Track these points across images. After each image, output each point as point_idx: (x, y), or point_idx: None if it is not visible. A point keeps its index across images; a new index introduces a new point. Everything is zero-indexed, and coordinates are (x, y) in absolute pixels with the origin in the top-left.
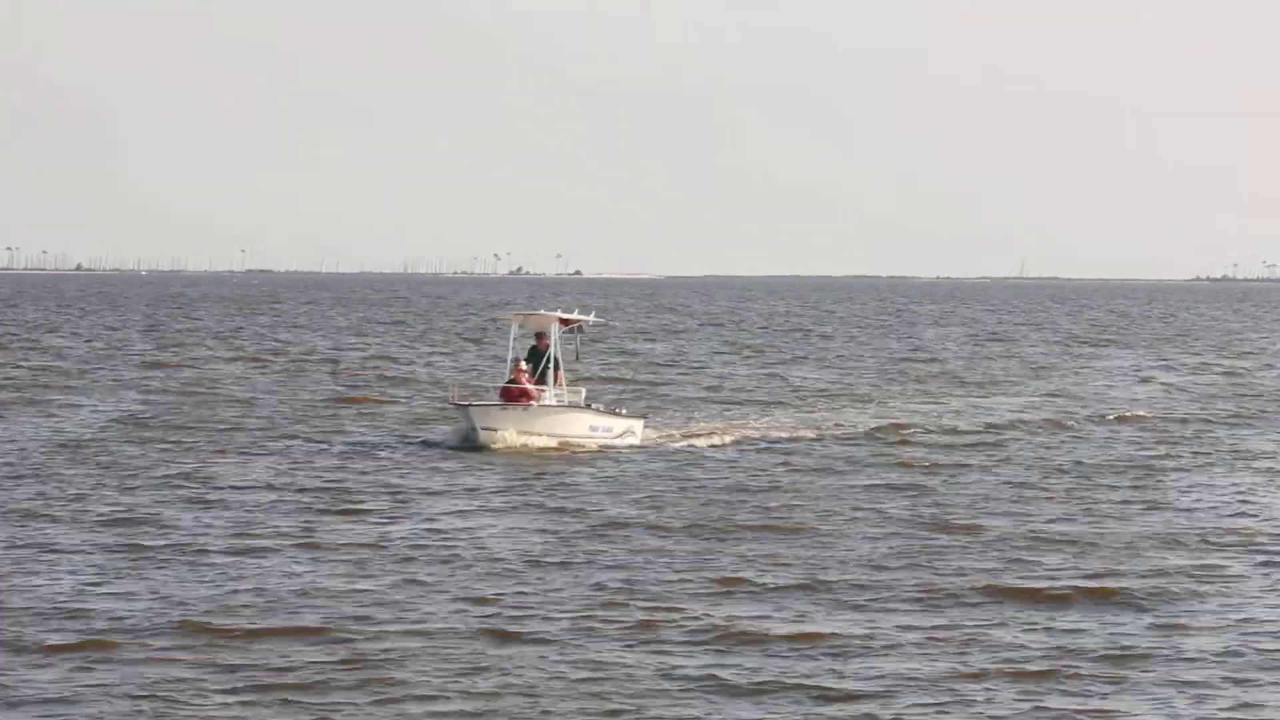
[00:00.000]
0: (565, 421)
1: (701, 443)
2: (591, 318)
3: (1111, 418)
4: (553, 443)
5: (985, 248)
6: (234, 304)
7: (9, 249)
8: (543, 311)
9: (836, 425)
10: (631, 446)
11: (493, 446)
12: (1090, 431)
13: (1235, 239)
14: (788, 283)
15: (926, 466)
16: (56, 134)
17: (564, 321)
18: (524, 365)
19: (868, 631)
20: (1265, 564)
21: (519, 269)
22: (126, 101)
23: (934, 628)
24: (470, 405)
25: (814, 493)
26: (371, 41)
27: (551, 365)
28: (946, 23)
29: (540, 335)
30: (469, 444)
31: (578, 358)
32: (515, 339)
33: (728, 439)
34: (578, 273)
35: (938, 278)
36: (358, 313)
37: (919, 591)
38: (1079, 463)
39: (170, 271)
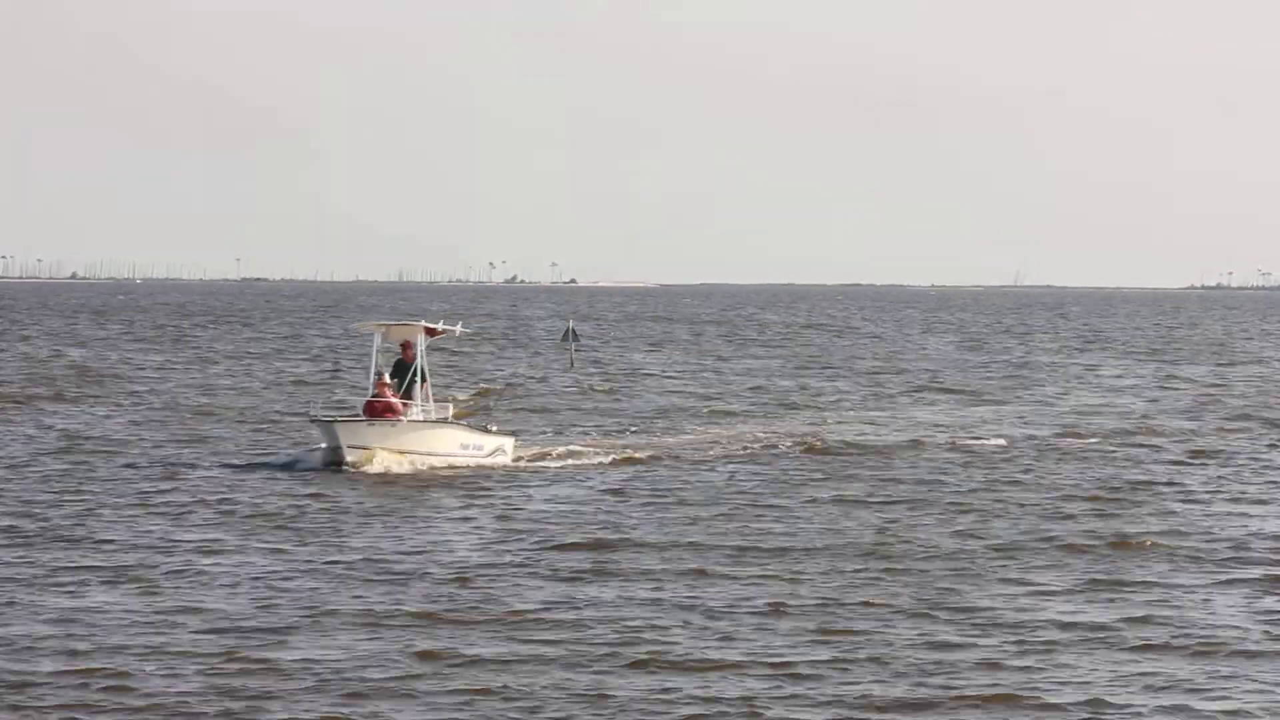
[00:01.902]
0: (436, 439)
1: (578, 460)
2: (459, 328)
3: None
4: (423, 462)
5: (981, 256)
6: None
7: (2, 257)
8: (407, 321)
9: (713, 442)
10: (503, 465)
11: (359, 466)
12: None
13: (1229, 247)
14: (782, 291)
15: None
16: (58, 137)
17: (430, 332)
18: (388, 379)
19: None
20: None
21: (514, 277)
22: (126, 104)
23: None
24: (335, 422)
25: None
26: (369, 46)
27: (419, 379)
28: (934, 36)
29: (405, 347)
30: (334, 463)
31: (572, 365)
32: (379, 351)
33: (602, 458)
34: (573, 281)
35: (931, 286)
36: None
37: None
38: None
39: (165, 280)
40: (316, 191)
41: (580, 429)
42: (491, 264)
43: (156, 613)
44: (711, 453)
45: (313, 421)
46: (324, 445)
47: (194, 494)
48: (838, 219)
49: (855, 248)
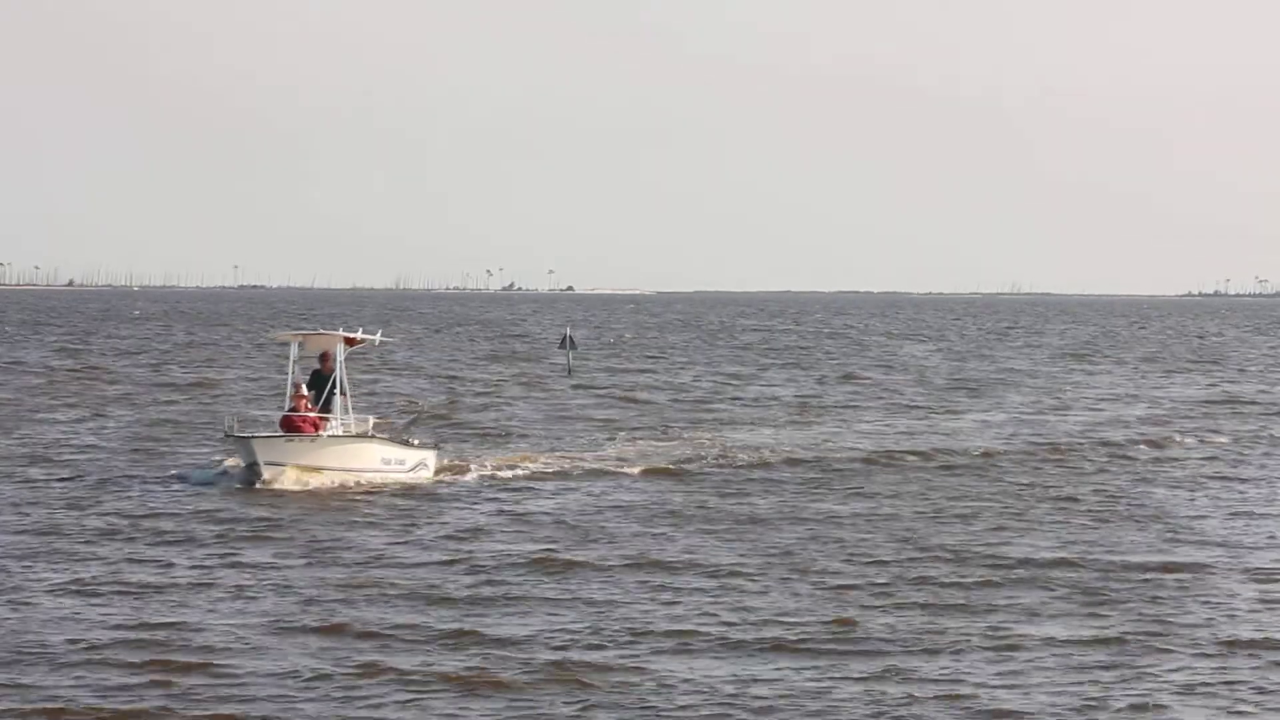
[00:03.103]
0: (355, 454)
1: (505, 473)
2: (379, 337)
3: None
4: (342, 478)
5: (979, 264)
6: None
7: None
8: (325, 331)
9: (643, 455)
10: (426, 480)
11: (276, 483)
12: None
13: (1227, 254)
14: (777, 298)
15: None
16: (55, 145)
17: (349, 341)
18: (306, 391)
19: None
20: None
21: (511, 285)
22: (125, 111)
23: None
24: (252, 438)
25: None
26: (367, 54)
27: (338, 391)
28: (930, 37)
29: (324, 357)
30: (250, 480)
31: (570, 373)
32: (295, 362)
33: (526, 468)
34: (570, 288)
35: (929, 293)
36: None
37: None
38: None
39: (164, 287)
40: (314, 199)
41: (511, 442)
42: (489, 271)
43: (29, 632)
44: (638, 467)
45: (228, 437)
46: (240, 461)
47: (102, 512)
48: (834, 225)
49: (850, 255)
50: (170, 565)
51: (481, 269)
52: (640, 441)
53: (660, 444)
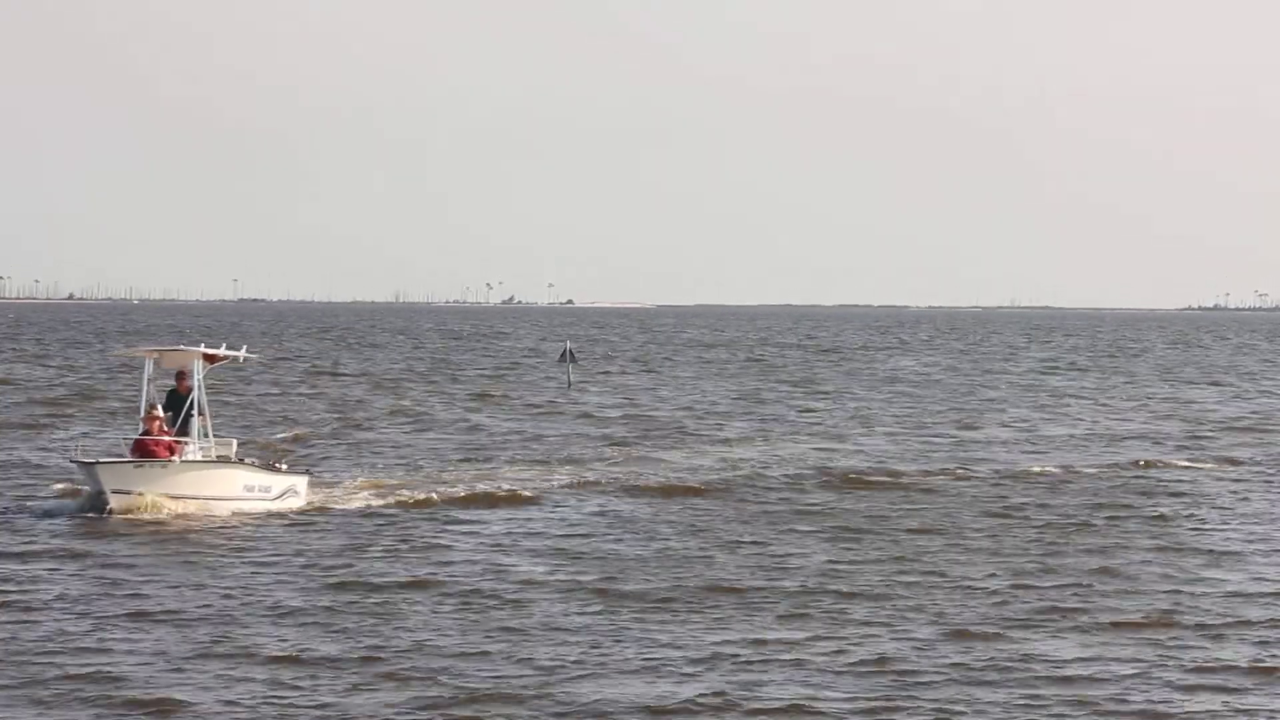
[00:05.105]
0: (214, 480)
1: (379, 500)
2: (243, 353)
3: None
4: (200, 506)
5: (979, 277)
6: None
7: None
8: (183, 347)
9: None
10: (295, 508)
11: (126, 512)
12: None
13: (1227, 268)
14: (776, 312)
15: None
16: (55, 158)
17: (209, 358)
18: (160, 412)
19: None
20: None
21: (511, 298)
22: (125, 124)
23: None
24: (97, 464)
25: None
26: (367, 68)
27: (196, 412)
28: (930, 38)
29: (181, 376)
30: (97, 510)
31: (570, 385)
32: (150, 380)
33: (405, 497)
34: (570, 302)
35: (929, 307)
36: None
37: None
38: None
39: (163, 301)
40: (314, 212)
41: (395, 466)
42: (489, 284)
43: None
44: (521, 492)
45: (73, 463)
46: (88, 489)
47: None
48: (833, 231)
49: (851, 269)
50: None
51: (482, 281)
52: (580, 464)
53: (570, 467)
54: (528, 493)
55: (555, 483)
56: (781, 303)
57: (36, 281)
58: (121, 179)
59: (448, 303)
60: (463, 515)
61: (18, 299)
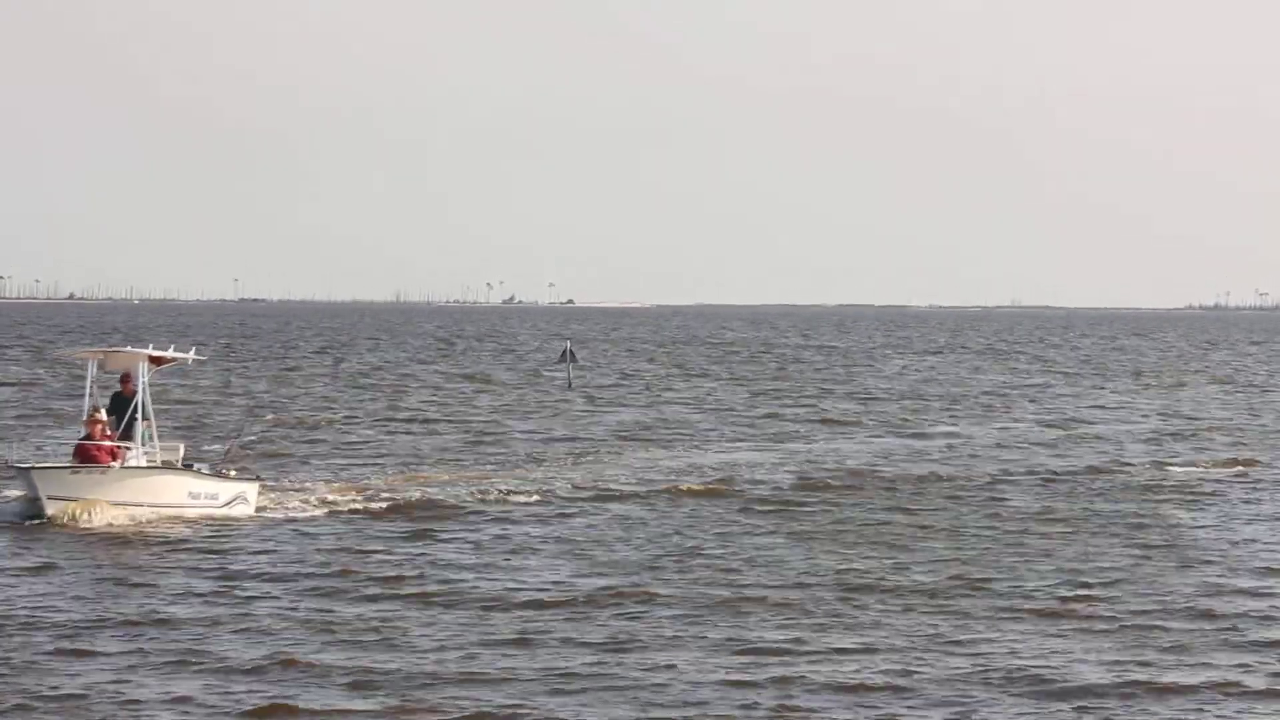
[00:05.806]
0: (158, 487)
1: (332, 506)
2: (191, 355)
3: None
4: (142, 513)
5: (981, 277)
6: None
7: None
8: (128, 348)
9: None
10: (244, 515)
11: (64, 520)
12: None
13: (1227, 267)
14: (778, 312)
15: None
16: (55, 157)
17: (155, 360)
18: (103, 416)
19: None
20: None
21: (511, 298)
22: (125, 124)
23: None
24: (33, 469)
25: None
26: (366, 68)
27: (140, 415)
28: (923, 46)
29: (125, 378)
30: (34, 517)
31: (570, 385)
32: (93, 382)
33: (358, 503)
34: (570, 301)
35: (930, 306)
36: None
37: None
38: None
39: (163, 301)
40: (314, 212)
41: (360, 468)
42: (489, 284)
43: None
44: (474, 499)
45: (8, 467)
46: (23, 495)
47: None
48: (834, 230)
49: (851, 269)
50: None
51: (482, 281)
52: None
53: (534, 472)
54: (525, 496)
55: (557, 484)
56: (782, 303)
57: (37, 281)
58: (121, 179)
59: (448, 302)
60: (427, 520)
61: (18, 299)
